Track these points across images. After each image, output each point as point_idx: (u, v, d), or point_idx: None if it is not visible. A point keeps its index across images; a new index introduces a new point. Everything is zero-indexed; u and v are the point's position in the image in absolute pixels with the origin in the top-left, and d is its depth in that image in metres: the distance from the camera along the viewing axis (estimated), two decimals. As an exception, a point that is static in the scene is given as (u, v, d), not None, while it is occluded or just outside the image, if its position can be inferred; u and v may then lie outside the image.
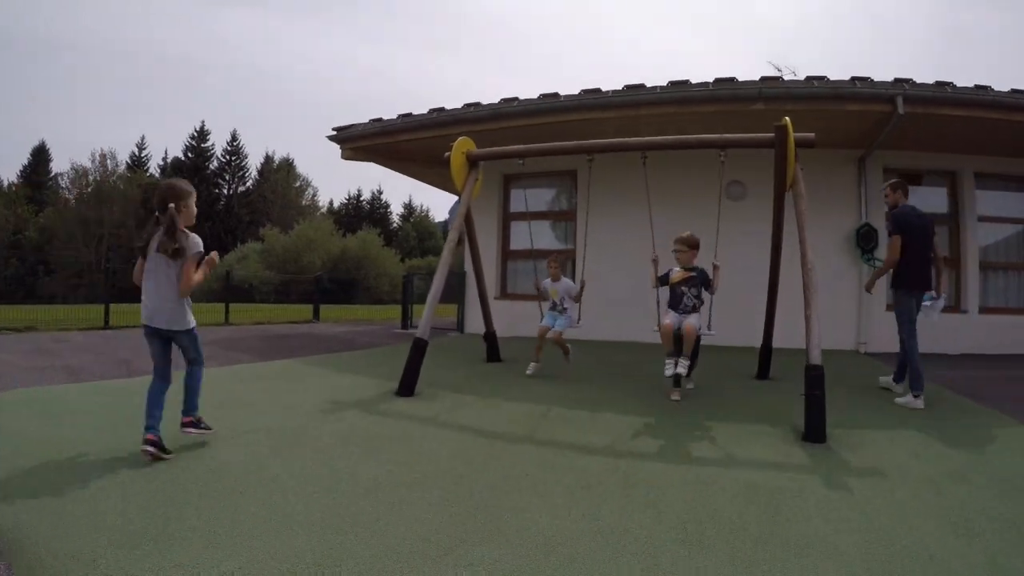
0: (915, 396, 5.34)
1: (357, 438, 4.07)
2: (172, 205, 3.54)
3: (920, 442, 4.22)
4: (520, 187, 11.80)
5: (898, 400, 5.49)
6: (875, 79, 8.51)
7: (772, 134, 5.41)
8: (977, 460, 3.85)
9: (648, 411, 5.07)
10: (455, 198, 12.01)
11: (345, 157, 11.37)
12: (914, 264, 5.61)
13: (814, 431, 4.27)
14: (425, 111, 10.18)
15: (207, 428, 3.89)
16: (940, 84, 8.44)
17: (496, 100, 9.54)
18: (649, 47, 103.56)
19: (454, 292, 13.55)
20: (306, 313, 17.70)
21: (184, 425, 3.80)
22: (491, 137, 6.85)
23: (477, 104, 9.70)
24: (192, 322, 3.75)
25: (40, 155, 56.17)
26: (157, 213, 3.59)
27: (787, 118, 5.35)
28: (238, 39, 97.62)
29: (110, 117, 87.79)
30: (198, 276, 3.64)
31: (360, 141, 11.04)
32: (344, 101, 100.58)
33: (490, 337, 7.72)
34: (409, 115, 10.30)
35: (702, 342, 5.63)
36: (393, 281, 31.45)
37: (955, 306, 10.35)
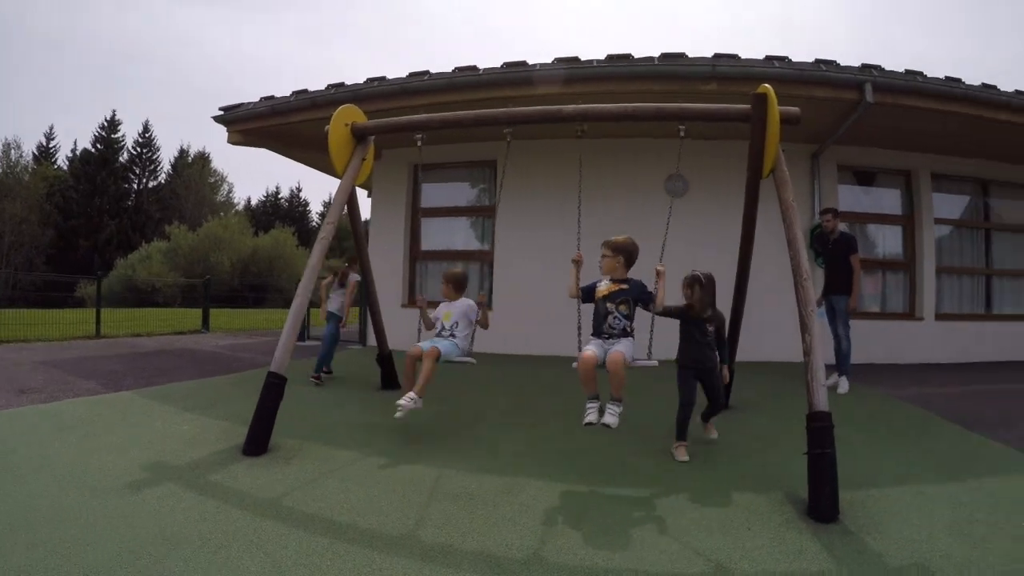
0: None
1: (151, 547, 2.57)
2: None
3: (951, 507, 3.18)
4: (433, 180, 10.61)
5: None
6: (840, 63, 7.60)
7: (747, 106, 4.27)
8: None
9: (583, 470, 3.78)
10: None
11: (232, 141, 9.67)
12: None
13: (824, 507, 3.07)
14: (323, 87, 8.66)
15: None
16: (910, 73, 7.65)
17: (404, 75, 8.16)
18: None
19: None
20: (199, 320, 15.63)
21: None
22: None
23: (382, 79, 8.26)
24: None
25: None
26: None
27: (767, 85, 4.22)
28: (166, 28, 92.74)
29: (19, 105, 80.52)
30: None
31: (250, 122, 9.39)
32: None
33: (385, 360, 6.28)
34: (304, 92, 8.75)
35: (640, 367, 4.01)
36: (310, 285, 29.72)
37: (910, 312, 9.66)
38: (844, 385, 6.67)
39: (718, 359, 4.29)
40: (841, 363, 6.81)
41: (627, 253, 4.13)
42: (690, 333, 4.21)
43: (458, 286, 5.00)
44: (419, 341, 4.72)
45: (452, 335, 4.75)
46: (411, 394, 4.20)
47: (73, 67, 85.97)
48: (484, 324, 4.81)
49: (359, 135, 5.08)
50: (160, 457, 3.87)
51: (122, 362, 8.39)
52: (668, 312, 4.12)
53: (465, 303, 4.89)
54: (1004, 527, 2.90)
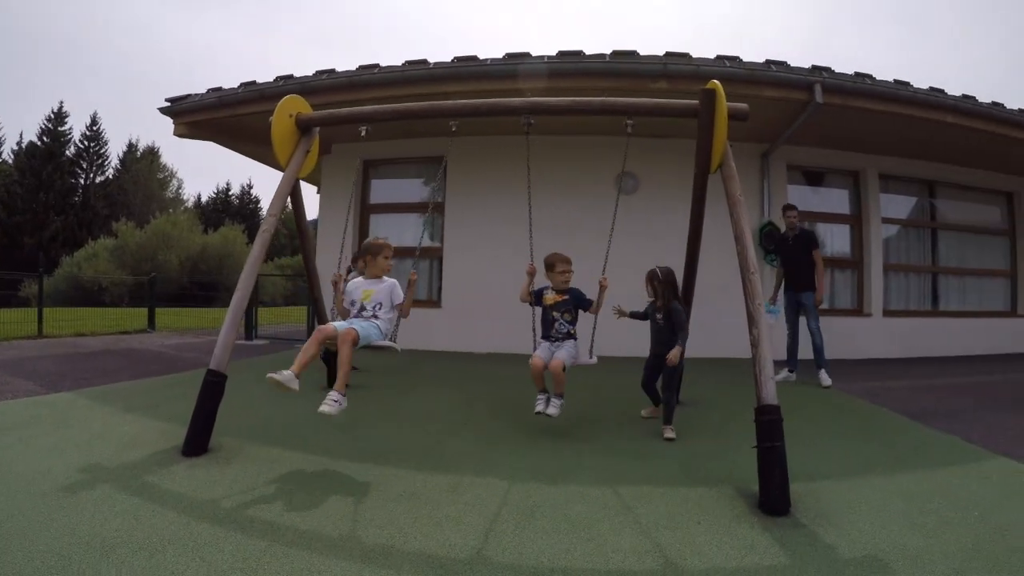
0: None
1: (84, 552, 2.43)
2: None
3: (903, 499, 3.19)
4: (382, 176, 10.56)
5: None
6: (791, 64, 7.70)
7: (696, 101, 4.28)
8: (993, 525, 2.86)
9: (530, 468, 3.70)
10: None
11: (179, 134, 9.36)
12: None
13: (775, 500, 3.05)
14: (271, 79, 8.45)
15: None
16: (859, 75, 7.80)
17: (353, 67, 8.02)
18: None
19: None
20: (145, 319, 15.10)
21: None
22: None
23: (331, 71, 8.11)
24: None
25: None
26: None
27: (716, 81, 4.24)
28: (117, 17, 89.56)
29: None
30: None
31: (197, 114, 9.11)
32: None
33: (331, 358, 6.03)
34: (252, 83, 8.53)
35: (582, 364, 4.65)
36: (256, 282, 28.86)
37: (858, 309, 9.87)
38: (826, 378, 6.74)
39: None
40: (817, 357, 6.90)
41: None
42: (650, 321, 4.90)
43: (384, 258, 4.37)
44: (332, 321, 4.28)
45: (374, 316, 4.16)
46: (334, 394, 3.68)
47: (21, 56, 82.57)
48: (406, 311, 4.29)
49: (304, 126, 4.90)
50: (97, 459, 3.69)
51: (63, 362, 8.07)
52: (636, 316, 4.99)
53: (391, 284, 4.28)
54: (956, 518, 2.91)
